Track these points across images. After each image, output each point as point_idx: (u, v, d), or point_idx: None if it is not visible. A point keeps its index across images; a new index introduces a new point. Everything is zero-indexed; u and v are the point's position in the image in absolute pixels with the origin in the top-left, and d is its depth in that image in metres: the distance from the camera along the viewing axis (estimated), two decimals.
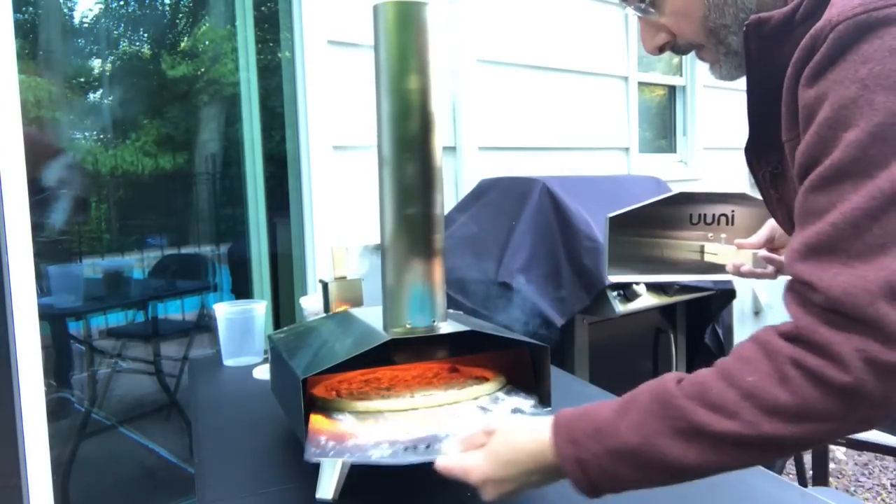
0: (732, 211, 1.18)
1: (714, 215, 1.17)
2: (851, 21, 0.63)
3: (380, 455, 0.88)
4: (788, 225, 0.90)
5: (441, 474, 0.82)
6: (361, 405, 1.02)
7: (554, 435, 0.74)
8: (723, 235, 1.19)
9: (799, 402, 0.62)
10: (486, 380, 1.14)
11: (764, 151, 0.83)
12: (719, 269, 1.17)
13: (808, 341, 0.63)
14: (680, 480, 0.69)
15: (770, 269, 1.13)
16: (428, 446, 0.89)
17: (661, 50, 0.89)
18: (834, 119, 0.63)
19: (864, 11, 0.62)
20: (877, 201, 0.60)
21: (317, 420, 0.99)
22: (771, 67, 0.74)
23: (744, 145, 0.86)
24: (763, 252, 1.13)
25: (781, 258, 1.12)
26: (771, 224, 1.14)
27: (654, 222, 1.18)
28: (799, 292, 0.65)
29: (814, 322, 0.62)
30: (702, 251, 1.17)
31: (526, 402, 1.06)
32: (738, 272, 1.14)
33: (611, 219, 1.17)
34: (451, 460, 0.82)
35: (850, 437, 1.96)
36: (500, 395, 1.08)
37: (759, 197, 1.18)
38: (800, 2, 0.71)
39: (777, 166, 0.82)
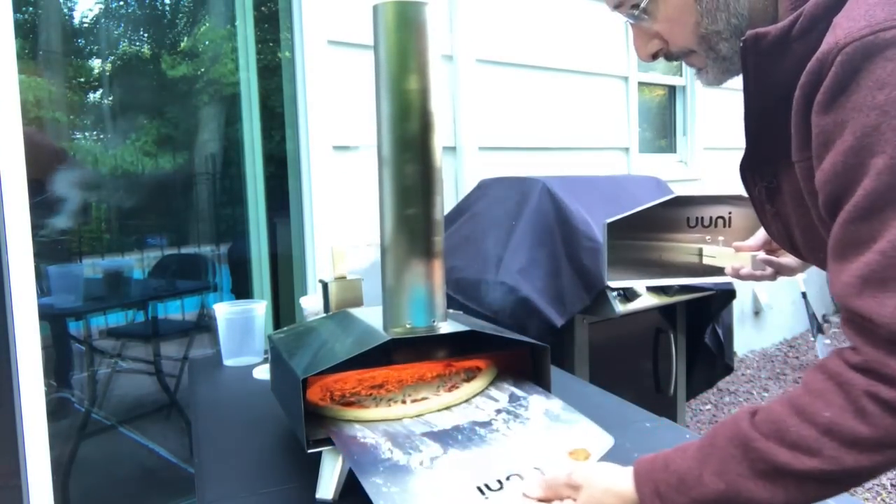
0: (729, 213, 1.18)
1: (711, 217, 1.17)
2: (859, 43, 0.62)
3: (466, 498, 0.82)
4: (784, 239, 0.90)
5: None
6: (352, 413, 1.01)
7: (638, 488, 0.73)
8: (720, 238, 1.19)
9: (880, 434, 0.62)
10: (479, 370, 1.14)
11: (760, 166, 0.83)
12: (718, 271, 1.17)
13: (879, 373, 0.63)
14: None
15: (769, 270, 1.13)
16: (500, 482, 0.84)
17: (654, 57, 0.89)
18: (859, 147, 0.63)
19: (871, 33, 0.62)
20: None
21: (332, 434, 0.96)
22: (768, 83, 0.74)
23: (739, 162, 0.86)
24: (762, 254, 1.13)
25: (780, 260, 1.12)
26: None
27: (651, 226, 1.18)
28: (861, 325, 0.65)
29: (882, 355, 0.62)
30: (700, 254, 1.17)
31: (543, 401, 1.04)
32: (738, 275, 1.14)
33: (609, 224, 1.17)
34: None
35: None
36: (503, 393, 1.08)
37: None
38: (796, 17, 0.71)
39: (772, 181, 0.82)
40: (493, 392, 1.09)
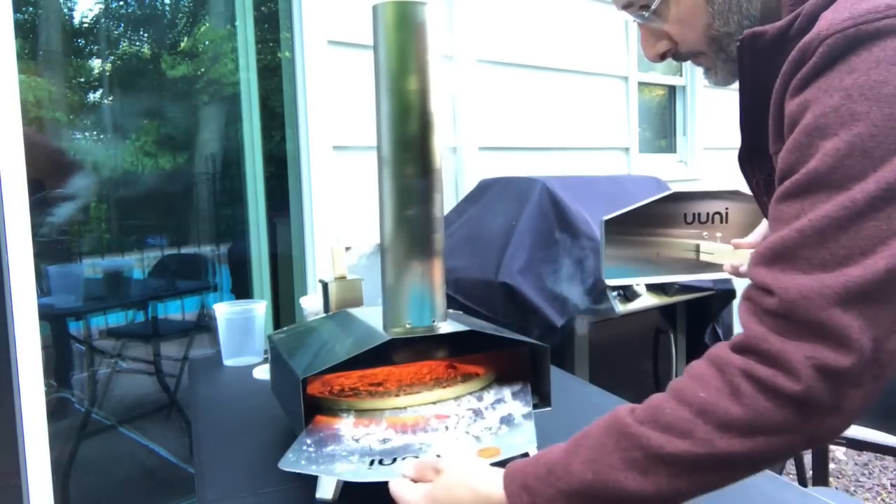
0: (726, 209, 1.18)
1: (708, 213, 1.17)
2: (840, 35, 0.62)
3: (344, 469, 0.88)
4: None
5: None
6: (345, 403, 1.04)
7: (506, 486, 0.70)
8: (718, 234, 1.19)
9: (752, 415, 0.61)
10: (477, 375, 1.15)
11: (757, 160, 0.83)
12: (716, 268, 1.17)
13: (758, 351, 0.62)
14: None
15: None
16: (394, 460, 0.89)
17: (662, 57, 0.89)
18: (814, 127, 0.63)
19: (854, 25, 0.62)
20: (847, 211, 0.59)
21: (319, 420, 1.01)
22: (763, 80, 0.73)
23: (737, 154, 0.86)
24: None
25: None
26: (767, 222, 1.13)
27: (649, 222, 1.17)
28: (753, 299, 0.65)
29: (764, 331, 0.62)
30: (697, 250, 1.17)
31: (518, 407, 1.04)
32: (737, 273, 1.13)
33: (606, 221, 1.17)
34: (400, 489, 0.81)
35: (850, 437, 1.95)
36: (490, 394, 1.09)
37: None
38: (794, 17, 0.71)
39: (770, 174, 0.82)
40: (483, 393, 1.10)
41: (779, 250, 0.63)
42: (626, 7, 0.87)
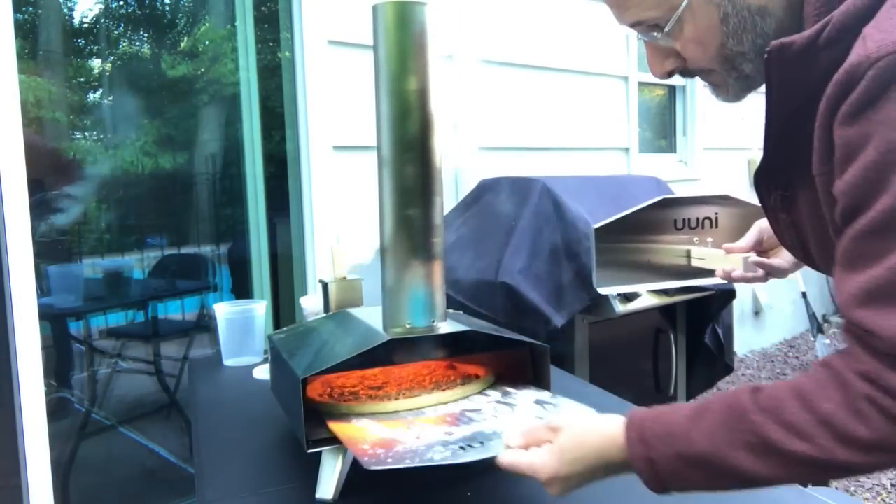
0: (716, 213, 1.17)
1: (698, 219, 1.16)
2: (892, 58, 0.61)
3: (441, 457, 0.86)
4: (798, 249, 0.89)
5: (504, 470, 0.82)
6: (346, 406, 1.03)
7: (627, 433, 0.75)
8: (708, 239, 1.18)
9: (875, 437, 0.63)
10: (478, 377, 1.15)
11: (776, 175, 0.82)
12: (708, 273, 1.16)
13: (879, 385, 0.64)
14: (747, 488, 0.70)
15: (760, 272, 1.12)
16: (482, 443, 0.88)
17: (670, 74, 0.87)
18: (882, 162, 0.62)
19: None
20: None
21: (340, 428, 0.97)
22: (793, 92, 0.72)
23: (755, 170, 0.85)
24: (753, 256, 1.11)
25: (771, 261, 1.11)
26: (759, 226, 1.12)
27: (639, 229, 1.16)
28: (861, 337, 0.66)
29: (881, 368, 0.63)
30: (689, 256, 1.17)
31: (543, 394, 1.06)
32: (730, 277, 1.13)
33: (597, 230, 1.16)
34: (517, 457, 0.82)
35: None
36: (495, 394, 1.09)
37: (741, 198, 1.16)
38: (822, 26, 0.69)
39: (788, 189, 0.81)
40: (487, 391, 1.10)
41: (872, 291, 0.64)
42: (634, 25, 0.84)
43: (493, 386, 1.12)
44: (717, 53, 0.81)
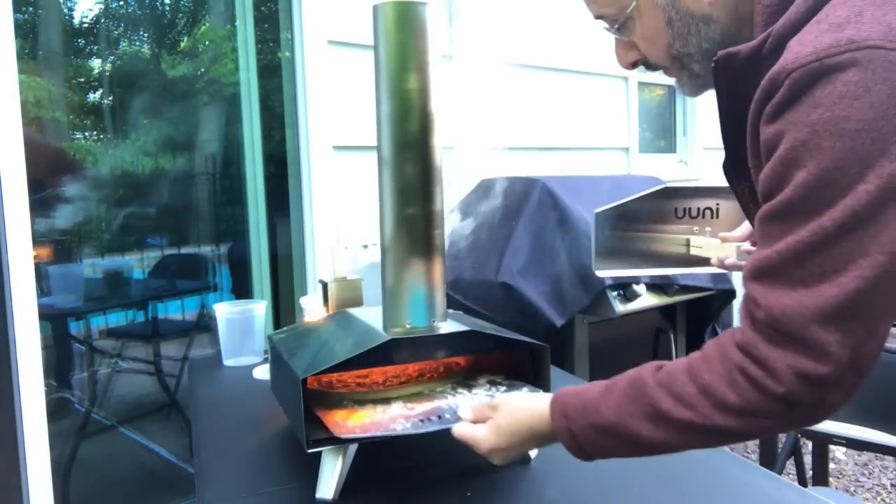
0: (717, 204, 1.20)
1: (699, 209, 1.19)
2: (805, 69, 0.67)
3: (402, 428, 0.96)
4: None
5: (456, 440, 0.93)
6: (338, 395, 1.07)
7: (552, 408, 0.85)
8: (708, 229, 1.20)
9: (744, 404, 0.71)
10: (458, 365, 1.18)
11: (740, 168, 0.88)
12: (705, 262, 1.19)
13: (750, 354, 0.71)
14: (652, 453, 0.79)
15: None
16: (440, 417, 0.99)
17: (633, 65, 0.95)
18: (787, 158, 0.70)
19: (817, 59, 0.67)
20: (818, 237, 0.67)
21: (324, 413, 1.03)
22: (739, 96, 0.78)
23: (721, 164, 0.92)
24: (746, 245, 1.17)
25: None
26: None
27: (640, 217, 1.19)
28: (748, 307, 0.74)
29: (756, 337, 0.71)
30: (687, 244, 1.19)
31: (497, 376, 1.15)
32: (723, 265, 1.19)
33: (597, 214, 1.18)
34: (465, 429, 0.93)
35: (850, 437, 1.96)
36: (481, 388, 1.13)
37: None
38: (765, 37, 0.75)
39: (753, 182, 0.86)
40: (469, 380, 1.15)
41: (763, 268, 0.72)
42: (598, 18, 0.92)
43: (475, 381, 1.16)
44: (667, 53, 0.89)
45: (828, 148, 0.66)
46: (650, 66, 0.94)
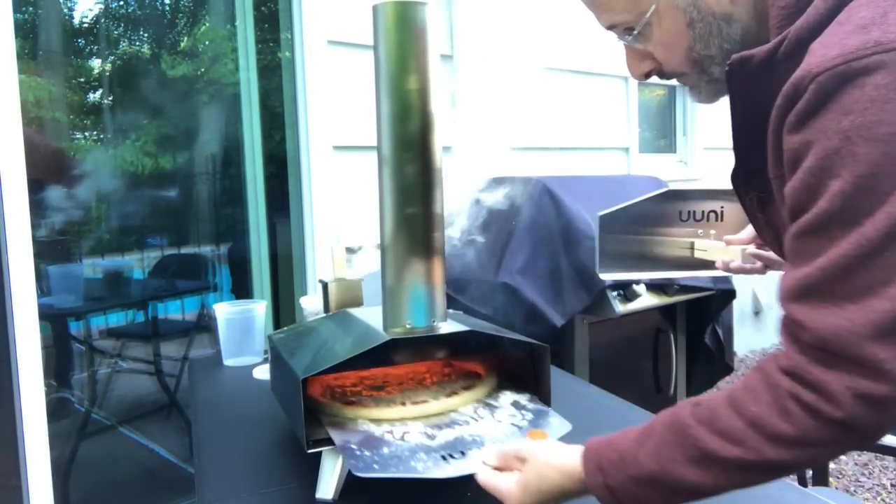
0: (722, 207, 1.19)
1: (703, 212, 1.18)
2: (831, 72, 0.65)
3: (424, 467, 0.92)
4: (775, 245, 0.92)
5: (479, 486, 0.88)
6: (351, 411, 1.02)
7: (584, 463, 0.79)
8: (712, 231, 1.19)
9: (799, 433, 0.67)
10: (478, 376, 1.15)
11: (750, 178, 0.85)
12: (709, 265, 1.18)
13: (802, 379, 0.67)
14: (699, 499, 0.74)
15: (758, 264, 1.15)
16: (462, 453, 0.94)
17: (646, 76, 0.93)
18: (819, 168, 0.66)
19: (844, 62, 0.64)
20: (863, 248, 0.64)
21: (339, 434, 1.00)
22: (754, 102, 0.76)
23: (730, 173, 0.89)
24: (751, 248, 1.15)
25: (769, 254, 1.14)
26: None
27: (644, 220, 1.18)
28: (791, 330, 0.69)
29: (805, 361, 0.67)
30: (692, 248, 1.18)
31: (521, 396, 1.09)
32: (728, 268, 1.17)
33: (601, 217, 1.17)
34: (490, 478, 0.88)
35: None
36: (499, 400, 1.09)
37: None
38: (781, 40, 0.72)
39: (763, 191, 0.84)
40: (491, 401, 1.10)
41: (805, 287, 0.68)
42: (610, 28, 0.89)
43: (497, 390, 1.12)
44: (686, 57, 0.86)
45: (862, 154, 0.63)
46: (664, 75, 0.91)
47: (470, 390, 1.10)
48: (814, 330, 0.66)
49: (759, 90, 0.74)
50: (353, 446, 0.94)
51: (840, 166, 0.65)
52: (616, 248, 1.16)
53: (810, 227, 0.68)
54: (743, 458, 0.68)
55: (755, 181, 0.84)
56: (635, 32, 0.86)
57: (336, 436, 0.97)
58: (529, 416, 1.05)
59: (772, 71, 0.73)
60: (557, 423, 1.02)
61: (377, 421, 1.02)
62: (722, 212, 1.19)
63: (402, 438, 0.97)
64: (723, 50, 0.83)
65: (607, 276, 1.18)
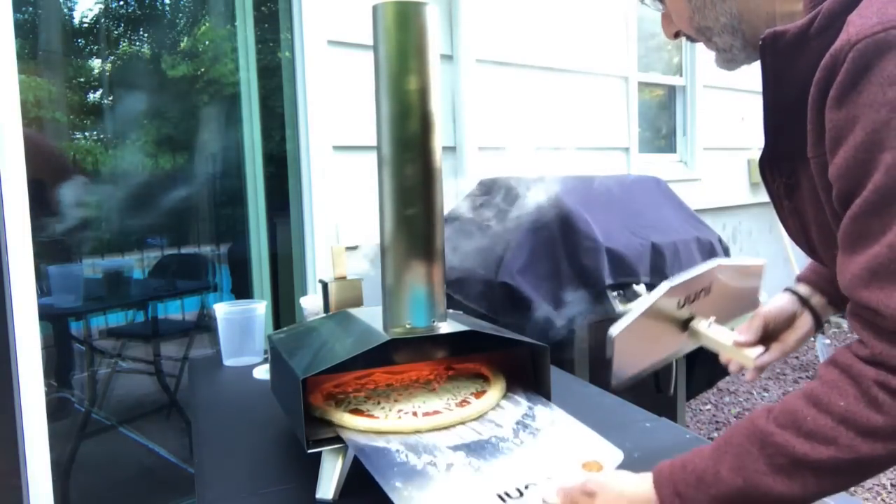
0: (710, 283, 1.17)
1: (696, 292, 1.16)
2: (871, 40, 0.63)
3: None
4: (801, 236, 0.90)
5: None
6: (364, 423, 0.98)
7: (657, 490, 0.75)
8: (704, 307, 1.16)
9: (893, 422, 0.64)
10: (484, 378, 1.13)
11: (778, 163, 0.85)
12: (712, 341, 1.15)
13: (888, 365, 0.64)
14: None
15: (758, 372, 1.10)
16: (521, 492, 0.85)
17: (676, 36, 0.95)
18: (869, 142, 0.64)
19: (883, 30, 0.63)
20: None
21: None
22: (787, 80, 0.75)
23: (759, 157, 0.88)
24: (762, 356, 1.07)
25: (772, 359, 1.10)
26: (761, 315, 1.10)
27: (650, 320, 1.14)
28: (866, 318, 0.66)
29: (888, 347, 0.64)
30: (691, 331, 1.14)
31: (555, 414, 1.04)
32: (740, 371, 1.12)
33: (617, 337, 1.10)
34: None
35: None
36: (517, 406, 1.06)
37: (730, 261, 1.17)
38: (814, 16, 0.71)
39: (791, 177, 0.83)
40: (504, 405, 1.07)
41: (874, 269, 0.64)
42: None
43: (508, 395, 1.10)
44: (690, 24, 0.89)
45: None
46: (690, 38, 0.94)
47: (480, 396, 1.07)
48: (888, 312, 0.63)
49: (792, 67, 0.73)
50: (399, 485, 0.84)
51: (891, 138, 0.63)
52: (628, 357, 1.12)
53: (870, 206, 0.65)
54: (837, 458, 0.65)
55: (783, 166, 0.84)
56: None
57: (374, 470, 0.88)
58: (571, 440, 0.97)
59: (804, 47, 0.72)
60: (608, 450, 0.94)
61: (386, 433, 0.97)
62: (710, 287, 1.17)
63: (448, 470, 0.89)
64: (720, 22, 0.85)
65: (621, 385, 1.14)
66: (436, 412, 1.02)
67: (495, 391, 1.09)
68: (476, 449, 0.94)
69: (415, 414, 1.01)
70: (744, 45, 0.86)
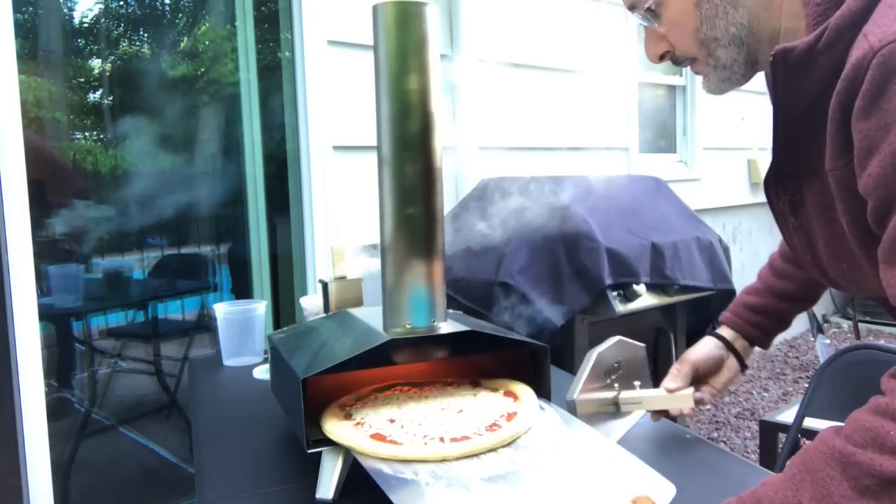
0: (619, 360, 1.20)
1: (613, 366, 1.19)
2: (894, 45, 0.63)
3: None
4: (806, 251, 0.90)
5: None
6: (386, 450, 0.91)
7: None
8: (634, 381, 1.20)
9: None
10: (514, 398, 1.06)
11: (783, 180, 0.85)
12: (639, 408, 1.19)
13: None
14: None
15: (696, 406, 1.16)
16: None
17: (661, 58, 0.94)
18: None
19: None
20: None
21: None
22: (796, 96, 0.75)
23: (764, 175, 0.88)
24: (698, 395, 1.17)
25: (712, 394, 1.18)
26: (689, 360, 1.18)
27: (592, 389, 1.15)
28: None
29: None
30: (616, 403, 1.18)
31: (597, 441, 0.95)
32: (683, 414, 1.17)
33: (572, 402, 1.13)
34: None
35: None
36: (550, 429, 0.99)
37: (629, 340, 1.19)
38: (822, 31, 0.71)
39: (795, 193, 0.83)
40: (536, 427, 0.99)
41: None
42: (632, 9, 0.92)
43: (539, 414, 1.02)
44: (694, 37, 0.87)
45: None
46: (677, 60, 0.93)
47: (511, 420, 0.98)
48: None
49: (801, 83, 0.73)
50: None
51: None
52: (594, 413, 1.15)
53: None
54: None
55: (787, 183, 0.84)
56: (647, 6, 0.89)
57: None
58: (618, 471, 0.87)
59: (812, 62, 0.72)
60: (660, 483, 0.84)
61: (411, 462, 0.89)
62: (620, 363, 1.20)
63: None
64: (729, 33, 0.84)
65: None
66: (464, 437, 0.93)
67: (527, 412, 1.01)
68: (513, 482, 0.85)
69: (441, 440, 0.93)
70: (745, 60, 0.85)
